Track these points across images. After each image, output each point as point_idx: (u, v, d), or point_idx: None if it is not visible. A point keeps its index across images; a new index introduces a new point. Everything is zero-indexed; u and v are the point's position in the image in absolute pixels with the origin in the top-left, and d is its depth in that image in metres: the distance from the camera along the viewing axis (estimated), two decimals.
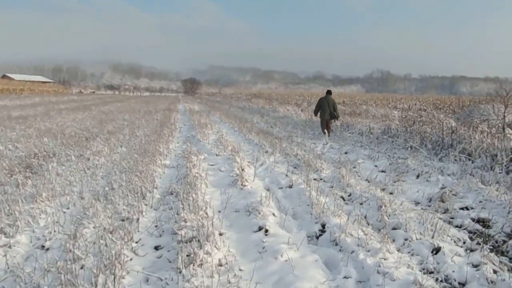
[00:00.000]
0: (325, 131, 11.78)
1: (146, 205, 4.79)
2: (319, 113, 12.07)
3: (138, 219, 4.11)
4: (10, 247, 3.24)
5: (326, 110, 11.77)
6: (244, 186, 5.60)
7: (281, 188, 5.79)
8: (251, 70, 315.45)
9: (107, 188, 5.09)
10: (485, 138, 8.16)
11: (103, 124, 13.49)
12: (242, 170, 6.66)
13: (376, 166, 7.73)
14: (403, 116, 13.57)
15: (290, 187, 5.71)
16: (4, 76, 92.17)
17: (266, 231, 3.90)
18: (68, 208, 4.43)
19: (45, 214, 4.02)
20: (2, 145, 7.93)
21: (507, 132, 8.19)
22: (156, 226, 4.09)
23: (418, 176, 6.71)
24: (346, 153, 9.28)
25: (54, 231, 3.64)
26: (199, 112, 22.50)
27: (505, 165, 6.79)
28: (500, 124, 10.83)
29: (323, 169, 7.00)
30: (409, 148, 9.05)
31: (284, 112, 20.36)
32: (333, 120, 12.12)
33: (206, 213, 4.35)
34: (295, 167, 7.38)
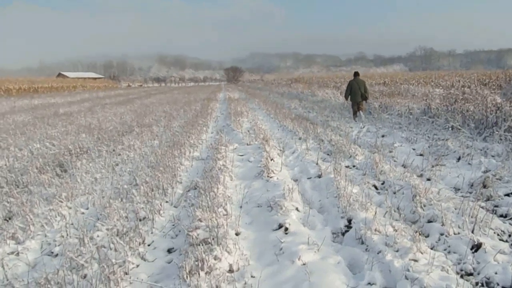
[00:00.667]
0: (357, 113, 11.56)
1: (167, 202, 4.63)
2: (349, 97, 11.78)
3: (153, 219, 3.94)
4: (17, 254, 3.17)
5: (357, 92, 11.48)
6: (270, 177, 5.28)
7: (310, 178, 5.40)
8: (292, 55, 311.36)
9: (127, 186, 4.98)
10: None
11: (141, 117, 13.68)
12: (271, 160, 6.33)
13: (414, 149, 7.10)
14: (444, 94, 12.47)
15: (319, 176, 5.31)
16: (59, 75, 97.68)
17: (286, 229, 3.57)
18: (87, 209, 4.37)
19: (61, 216, 3.95)
20: (40, 143, 8.17)
21: None
22: (173, 225, 3.90)
23: (459, 159, 6.05)
24: (383, 136, 8.64)
25: (67, 235, 3.55)
26: (238, 100, 22.34)
27: None
28: None
29: (356, 155, 6.50)
30: (450, 129, 8.25)
31: (322, 96, 19.63)
32: (364, 101, 11.81)
33: (226, 210, 4.09)
34: (328, 154, 6.94)
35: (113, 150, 7.54)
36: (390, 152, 6.90)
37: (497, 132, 7.04)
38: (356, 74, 12.12)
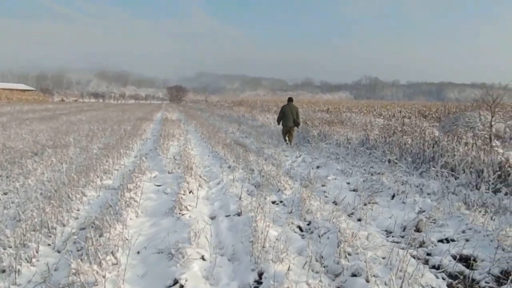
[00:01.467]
0: (287, 138, 11.82)
1: (49, 245, 3.80)
2: (281, 122, 11.99)
3: (18, 271, 3.12)
4: None
5: (289, 117, 11.67)
6: (183, 214, 4.63)
7: (229, 216, 4.84)
8: (239, 77, 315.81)
9: (1, 224, 4.07)
10: (470, 150, 7.34)
11: (61, 136, 12.39)
12: (190, 192, 5.70)
13: (348, 183, 6.85)
14: (383, 125, 12.77)
15: (239, 214, 4.76)
16: None
17: (181, 287, 2.94)
18: None
19: None
20: None
21: (494, 144, 7.39)
22: (43, 281, 3.11)
23: (393, 197, 5.84)
24: (318, 167, 8.39)
25: None
26: (175, 121, 21.48)
27: (492, 183, 5.95)
28: (486, 135, 10.06)
29: (285, 188, 6.08)
30: (387, 162, 8.20)
31: (262, 121, 19.48)
32: (295, 127, 12.08)
33: (116, 258, 3.37)
34: (256, 186, 6.45)
35: (8, 176, 6.45)
36: (323, 186, 6.58)
37: (433, 168, 7.02)
38: (290, 99, 12.21)
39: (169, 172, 7.18)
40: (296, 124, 11.81)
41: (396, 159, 8.12)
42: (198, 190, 5.92)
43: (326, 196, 5.98)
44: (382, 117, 21.91)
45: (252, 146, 11.68)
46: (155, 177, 6.96)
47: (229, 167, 8.02)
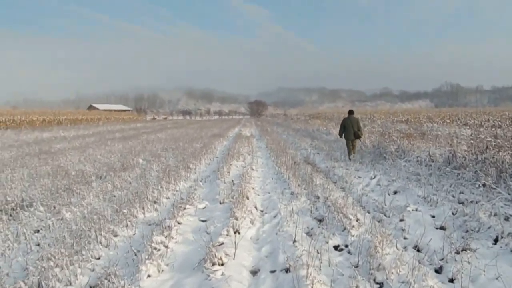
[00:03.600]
0: (352, 152, 11.55)
1: None
2: (343, 134, 11.79)
3: None
4: None
5: (350, 130, 11.51)
6: (215, 270, 3.62)
7: (274, 272, 3.71)
8: (317, 90, 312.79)
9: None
10: None
11: (131, 156, 12.40)
12: (236, 232, 4.70)
13: (433, 217, 5.31)
14: (472, 137, 10.53)
15: (287, 270, 3.61)
16: (90, 107, 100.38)
17: None
18: None
19: None
20: None
21: None
22: None
23: (496, 241, 4.23)
24: (395, 192, 6.86)
25: None
26: (248, 137, 20.92)
27: None
28: None
29: (353, 226, 4.76)
30: (482, 186, 6.36)
31: (337, 135, 17.91)
32: (358, 139, 11.88)
33: None
34: (319, 221, 5.25)
35: (54, 207, 6.10)
36: (401, 221, 5.14)
37: None
38: (350, 112, 12.08)
39: (220, 202, 6.28)
40: (357, 136, 11.58)
41: (494, 183, 6.26)
42: (252, 226, 4.90)
43: (405, 237, 4.55)
44: (467, 127, 18.93)
45: (322, 165, 10.38)
46: (204, 208, 6.10)
47: (292, 193, 6.89)
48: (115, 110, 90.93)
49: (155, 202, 6.41)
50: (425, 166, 8.56)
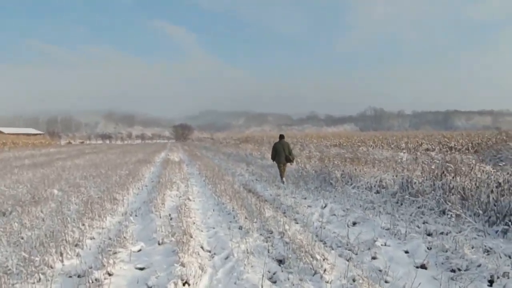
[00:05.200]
0: (282, 175, 11.82)
1: None
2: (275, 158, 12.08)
3: None
4: None
5: (281, 154, 11.88)
6: None
7: None
8: (244, 114, 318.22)
9: None
10: None
11: (45, 187, 10.66)
12: (185, 283, 3.81)
13: (406, 252, 4.91)
14: (418, 163, 10.85)
15: None
16: None
17: None
18: None
19: None
20: None
21: None
22: None
23: (491, 282, 3.87)
24: (354, 224, 6.47)
25: None
26: (177, 163, 19.74)
27: None
28: None
29: (325, 269, 4.16)
30: (447, 215, 6.25)
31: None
32: (289, 163, 12.22)
33: None
34: (280, 262, 4.55)
35: None
36: (374, 259, 4.65)
37: None
38: (281, 136, 12.48)
39: (159, 243, 5.28)
40: (288, 160, 11.95)
41: (459, 211, 6.17)
42: (199, 276, 4.02)
43: (386, 281, 4.01)
44: (403, 151, 20.05)
45: (266, 193, 9.81)
46: (139, 251, 5.07)
47: (240, 227, 6.14)
48: (23, 134, 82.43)
49: (76, 245, 5.22)
50: (376, 193, 8.40)
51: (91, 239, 5.63)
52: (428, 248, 4.90)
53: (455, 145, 18.67)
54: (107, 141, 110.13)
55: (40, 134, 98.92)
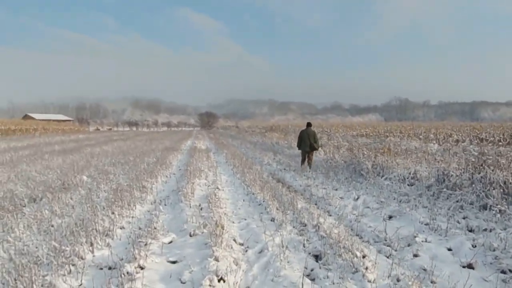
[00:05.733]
0: (305, 163, 11.93)
1: None
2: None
3: None
4: None
5: (306, 142, 11.96)
6: None
7: None
8: (268, 102, 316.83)
9: None
10: None
11: (74, 173, 10.74)
12: (220, 279, 3.60)
13: (449, 249, 4.54)
14: (450, 154, 10.27)
15: None
16: (26, 116, 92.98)
17: None
18: None
19: None
20: None
21: None
22: None
23: None
24: (390, 217, 6.11)
25: None
26: (204, 150, 19.69)
27: None
28: None
29: (366, 267, 3.85)
30: (489, 210, 5.79)
31: None
32: (314, 151, 12.32)
33: None
34: (317, 258, 4.28)
35: None
36: (415, 256, 4.32)
37: None
38: (308, 124, 12.47)
39: (190, 235, 5.11)
40: (313, 148, 12.03)
41: (505, 206, 5.70)
42: (233, 272, 3.80)
43: (432, 281, 3.69)
44: (433, 142, 19.23)
45: (295, 183, 9.53)
46: (171, 242, 4.91)
47: (272, 219, 5.89)
48: (54, 120, 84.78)
49: (106, 235, 5.11)
50: (409, 185, 7.97)
51: (121, 228, 5.53)
52: (472, 245, 4.52)
53: (486, 136, 17.70)
54: (134, 128, 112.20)
55: (69, 120, 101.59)
